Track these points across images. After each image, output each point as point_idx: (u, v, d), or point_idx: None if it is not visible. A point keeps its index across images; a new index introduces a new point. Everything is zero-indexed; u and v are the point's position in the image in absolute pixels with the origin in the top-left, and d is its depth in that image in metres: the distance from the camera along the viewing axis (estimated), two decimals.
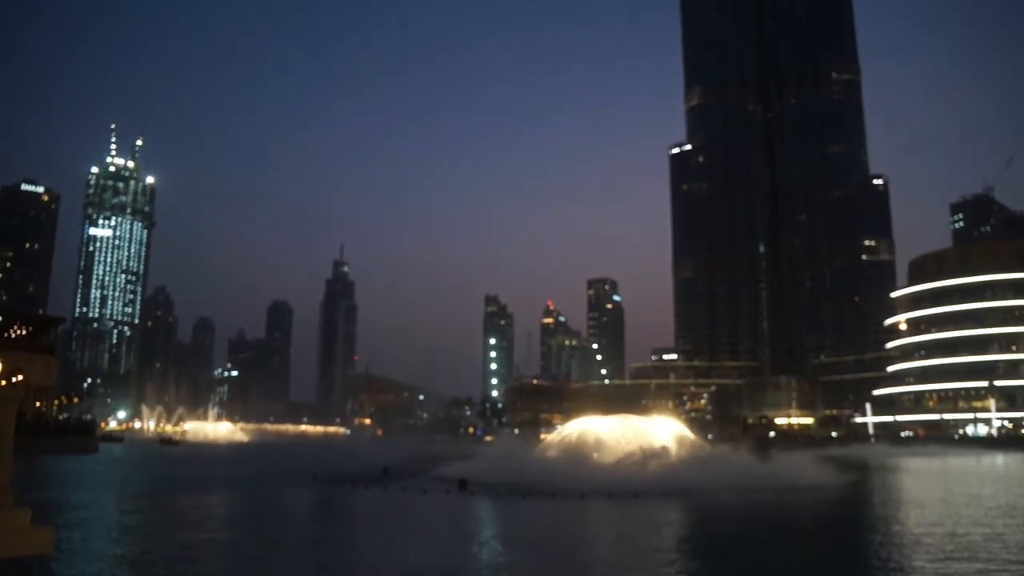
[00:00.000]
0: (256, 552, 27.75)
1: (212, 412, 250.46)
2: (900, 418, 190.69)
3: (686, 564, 25.72)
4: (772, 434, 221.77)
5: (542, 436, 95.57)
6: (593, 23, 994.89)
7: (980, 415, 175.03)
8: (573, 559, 26.11)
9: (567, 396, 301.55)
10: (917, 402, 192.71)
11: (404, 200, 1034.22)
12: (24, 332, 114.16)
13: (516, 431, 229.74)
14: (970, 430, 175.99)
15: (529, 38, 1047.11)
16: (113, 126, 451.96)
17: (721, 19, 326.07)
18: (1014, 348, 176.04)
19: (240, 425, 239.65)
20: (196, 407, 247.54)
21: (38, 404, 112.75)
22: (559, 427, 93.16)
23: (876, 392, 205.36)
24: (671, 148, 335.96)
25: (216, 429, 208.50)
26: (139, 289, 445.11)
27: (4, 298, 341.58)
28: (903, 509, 44.39)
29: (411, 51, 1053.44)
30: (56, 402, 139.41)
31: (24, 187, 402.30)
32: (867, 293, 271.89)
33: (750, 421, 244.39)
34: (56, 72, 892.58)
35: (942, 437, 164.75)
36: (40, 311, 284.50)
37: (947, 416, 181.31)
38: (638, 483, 49.08)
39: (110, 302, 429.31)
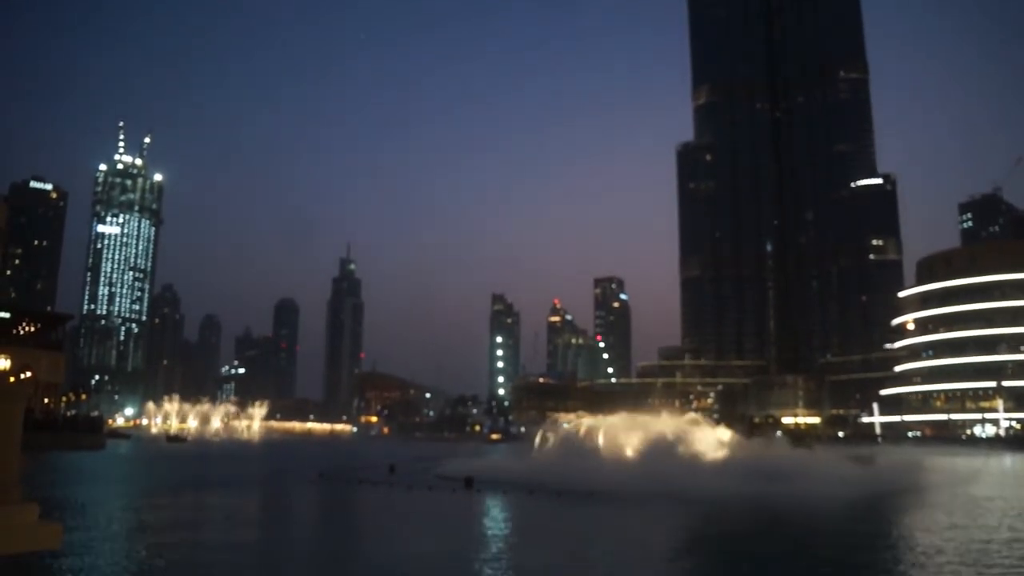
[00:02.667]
0: (264, 551, 27.81)
1: (222, 408, 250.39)
2: (907, 418, 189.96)
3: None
4: (779, 433, 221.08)
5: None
6: (600, 21, 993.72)
7: (988, 415, 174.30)
8: None
9: (573, 395, 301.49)
10: (924, 402, 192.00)
11: (411, 198, 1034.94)
12: (32, 329, 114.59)
13: (523, 429, 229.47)
14: (977, 430, 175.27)
15: (535, 37, 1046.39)
16: (121, 124, 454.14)
17: (729, 17, 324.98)
18: (1022, 348, 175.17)
19: (247, 423, 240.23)
20: (203, 404, 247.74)
21: (46, 400, 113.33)
22: (565, 425, 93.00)
23: (883, 392, 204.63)
24: (678, 146, 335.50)
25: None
26: (146, 286, 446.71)
27: (12, 295, 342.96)
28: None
29: (418, 50, 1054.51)
30: (64, 399, 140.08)
31: (32, 184, 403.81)
32: (874, 292, 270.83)
33: (756, 420, 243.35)
34: (64, 70, 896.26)
35: (949, 437, 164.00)
36: (48, 308, 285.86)
37: (954, 416, 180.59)
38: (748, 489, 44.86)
39: (118, 299, 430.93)
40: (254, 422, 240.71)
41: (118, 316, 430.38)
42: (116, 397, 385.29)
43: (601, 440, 69.19)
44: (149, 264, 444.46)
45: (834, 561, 25.96)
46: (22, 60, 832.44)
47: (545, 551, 27.74)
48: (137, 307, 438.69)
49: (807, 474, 52.57)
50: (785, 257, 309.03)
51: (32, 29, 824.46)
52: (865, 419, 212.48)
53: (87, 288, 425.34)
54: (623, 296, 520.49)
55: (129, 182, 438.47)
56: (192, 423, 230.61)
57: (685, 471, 51.77)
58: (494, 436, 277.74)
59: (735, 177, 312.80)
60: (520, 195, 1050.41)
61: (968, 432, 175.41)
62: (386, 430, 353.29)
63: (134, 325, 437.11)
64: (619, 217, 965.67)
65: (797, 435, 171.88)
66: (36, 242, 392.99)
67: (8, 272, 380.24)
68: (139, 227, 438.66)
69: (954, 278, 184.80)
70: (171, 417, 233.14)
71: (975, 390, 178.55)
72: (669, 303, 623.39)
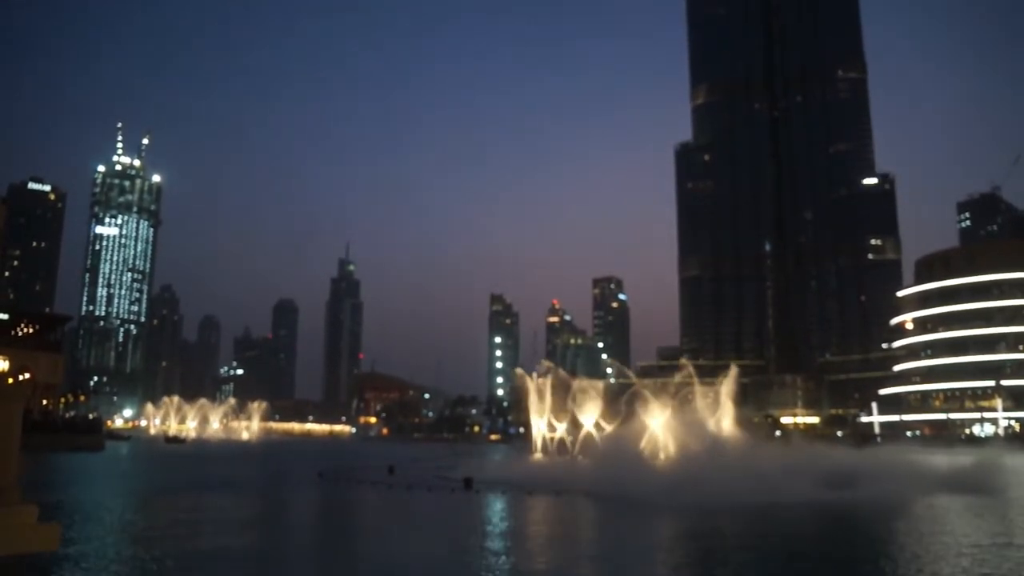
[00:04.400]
0: (263, 551, 27.76)
1: (221, 409, 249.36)
2: (906, 417, 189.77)
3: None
4: (778, 433, 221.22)
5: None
6: (598, 21, 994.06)
7: (987, 415, 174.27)
8: None
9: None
10: (923, 401, 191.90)
11: (410, 199, 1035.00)
12: (31, 330, 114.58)
13: (521, 429, 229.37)
14: (976, 430, 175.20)
15: (535, 36, 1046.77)
16: (120, 125, 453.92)
17: (727, 17, 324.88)
18: (1021, 348, 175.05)
19: (246, 423, 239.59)
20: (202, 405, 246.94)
21: (45, 402, 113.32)
22: (562, 426, 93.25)
23: (882, 391, 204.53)
24: (677, 146, 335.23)
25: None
26: (145, 287, 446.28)
27: (11, 296, 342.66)
28: None
29: (417, 50, 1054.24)
30: (63, 400, 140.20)
31: (31, 185, 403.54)
32: (873, 292, 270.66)
33: (755, 420, 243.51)
34: (63, 70, 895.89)
35: (948, 436, 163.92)
36: (47, 309, 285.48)
37: (953, 416, 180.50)
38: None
39: (116, 300, 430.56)
40: (253, 423, 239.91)
41: (117, 317, 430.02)
42: (115, 398, 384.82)
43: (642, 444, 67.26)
44: (148, 265, 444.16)
45: None
46: (21, 60, 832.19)
47: (546, 552, 27.70)
48: (136, 308, 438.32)
49: (878, 476, 50.30)
50: (784, 257, 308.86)
51: (31, 29, 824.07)
52: (864, 419, 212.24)
53: (86, 289, 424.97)
54: (622, 296, 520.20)
55: (128, 183, 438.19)
56: (191, 424, 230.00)
57: (739, 476, 47.07)
58: (493, 437, 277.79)
59: (734, 177, 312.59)
60: (519, 195, 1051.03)
61: (967, 431, 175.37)
62: (385, 431, 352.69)
63: (133, 326, 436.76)
64: (618, 217, 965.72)
65: (862, 435, 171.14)
66: (34, 243, 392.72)
67: (7, 273, 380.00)
68: (138, 228, 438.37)
69: (953, 277, 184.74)
70: (170, 418, 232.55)
71: (974, 389, 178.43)
72: (668, 303, 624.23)
